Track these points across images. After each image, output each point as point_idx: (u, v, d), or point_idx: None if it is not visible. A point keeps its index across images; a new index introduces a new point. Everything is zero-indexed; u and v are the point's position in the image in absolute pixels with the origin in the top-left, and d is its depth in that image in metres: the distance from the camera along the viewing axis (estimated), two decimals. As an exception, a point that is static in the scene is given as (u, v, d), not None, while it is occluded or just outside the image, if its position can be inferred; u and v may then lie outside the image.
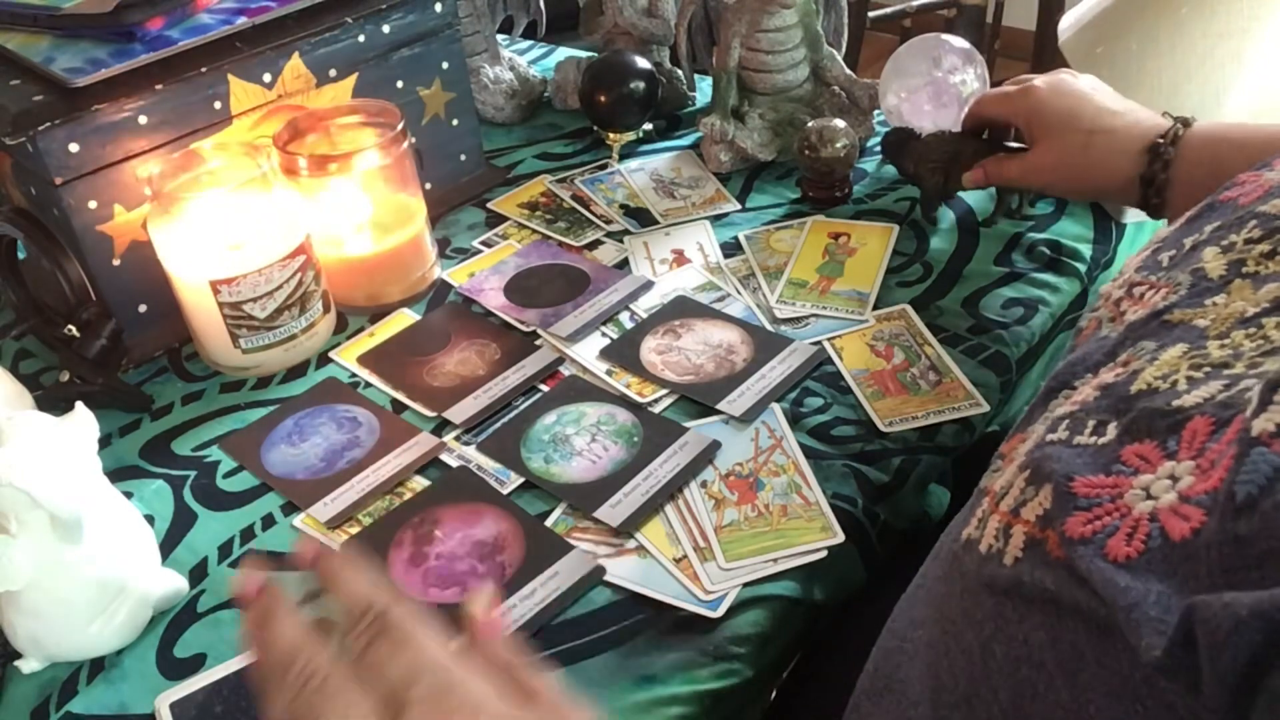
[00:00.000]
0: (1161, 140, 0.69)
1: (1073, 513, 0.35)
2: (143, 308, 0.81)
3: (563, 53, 1.22)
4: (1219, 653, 0.27)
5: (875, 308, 0.80)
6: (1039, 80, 0.77)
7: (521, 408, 0.74)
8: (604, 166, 1.01)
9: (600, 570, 0.62)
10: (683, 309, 0.81)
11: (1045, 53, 1.90)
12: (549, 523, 0.65)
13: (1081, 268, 0.82)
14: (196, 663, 0.59)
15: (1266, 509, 0.29)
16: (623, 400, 0.73)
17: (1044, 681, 0.33)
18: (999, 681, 0.35)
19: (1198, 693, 0.28)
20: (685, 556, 0.62)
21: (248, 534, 0.67)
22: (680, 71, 1.08)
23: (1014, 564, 0.36)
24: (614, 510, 0.65)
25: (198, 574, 0.64)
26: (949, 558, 0.42)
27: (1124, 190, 0.72)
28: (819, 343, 0.77)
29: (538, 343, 0.80)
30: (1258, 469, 0.30)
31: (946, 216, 0.90)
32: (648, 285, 0.84)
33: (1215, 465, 0.32)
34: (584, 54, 1.16)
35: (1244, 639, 0.27)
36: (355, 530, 0.66)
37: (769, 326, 0.79)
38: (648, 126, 1.03)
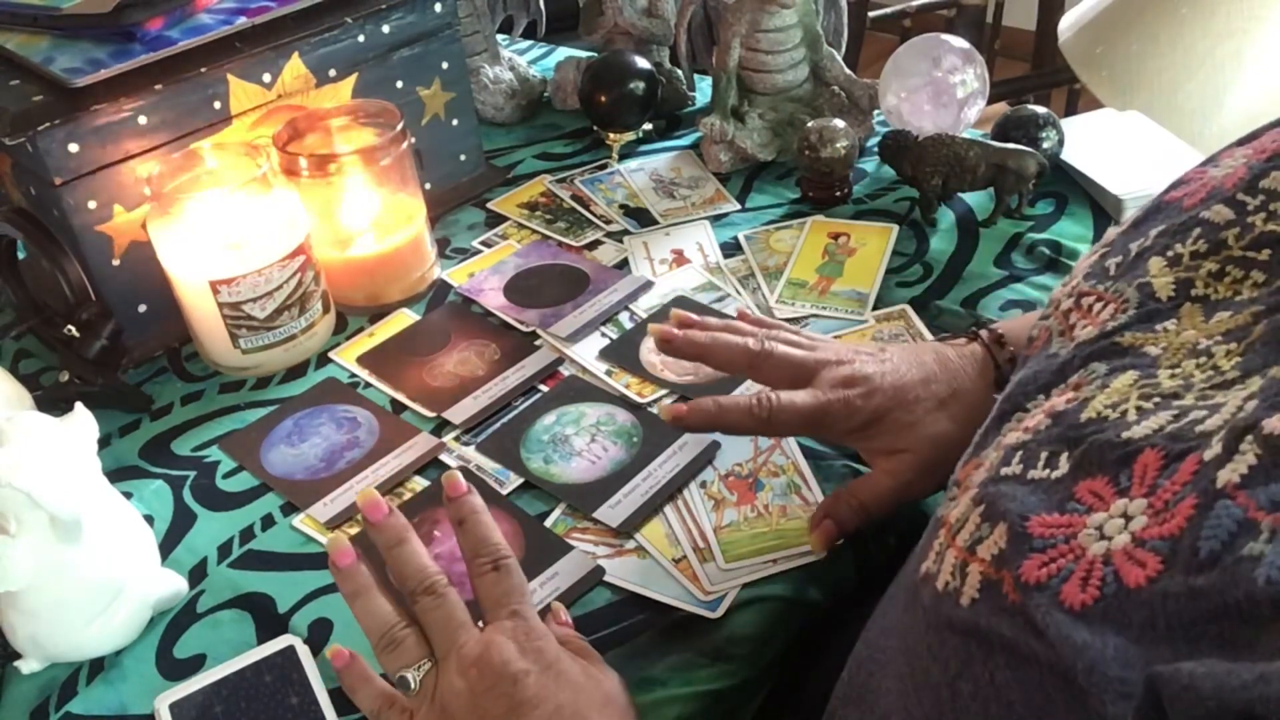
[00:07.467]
0: (989, 348, 0.63)
1: (1028, 555, 0.34)
2: (142, 308, 0.81)
3: (563, 53, 1.22)
4: None
5: (875, 308, 0.80)
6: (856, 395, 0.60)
7: (521, 408, 0.74)
8: (604, 166, 1.01)
9: (599, 571, 0.62)
10: (682, 309, 0.81)
11: (1045, 53, 1.90)
12: (548, 523, 0.65)
13: (1081, 268, 0.82)
14: (196, 663, 0.59)
15: (1228, 564, 0.29)
16: (622, 400, 0.73)
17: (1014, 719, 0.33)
18: (971, 718, 0.35)
19: None
20: (684, 557, 0.62)
21: (247, 534, 0.67)
22: (680, 71, 1.08)
23: (971, 605, 0.36)
24: (613, 511, 0.65)
25: (197, 574, 0.64)
26: (910, 588, 0.41)
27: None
28: (818, 343, 0.77)
29: (537, 343, 0.80)
30: (1221, 524, 0.30)
31: (946, 216, 0.90)
32: (647, 285, 0.84)
33: (1169, 507, 0.32)
34: (584, 54, 1.16)
35: None
36: (355, 530, 0.66)
37: (769, 327, 0.79)
38: (647, 126, 1.03)
